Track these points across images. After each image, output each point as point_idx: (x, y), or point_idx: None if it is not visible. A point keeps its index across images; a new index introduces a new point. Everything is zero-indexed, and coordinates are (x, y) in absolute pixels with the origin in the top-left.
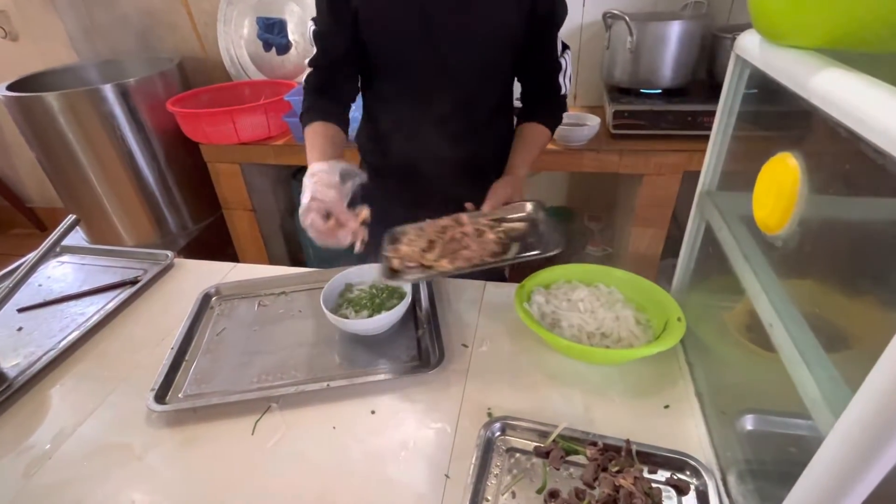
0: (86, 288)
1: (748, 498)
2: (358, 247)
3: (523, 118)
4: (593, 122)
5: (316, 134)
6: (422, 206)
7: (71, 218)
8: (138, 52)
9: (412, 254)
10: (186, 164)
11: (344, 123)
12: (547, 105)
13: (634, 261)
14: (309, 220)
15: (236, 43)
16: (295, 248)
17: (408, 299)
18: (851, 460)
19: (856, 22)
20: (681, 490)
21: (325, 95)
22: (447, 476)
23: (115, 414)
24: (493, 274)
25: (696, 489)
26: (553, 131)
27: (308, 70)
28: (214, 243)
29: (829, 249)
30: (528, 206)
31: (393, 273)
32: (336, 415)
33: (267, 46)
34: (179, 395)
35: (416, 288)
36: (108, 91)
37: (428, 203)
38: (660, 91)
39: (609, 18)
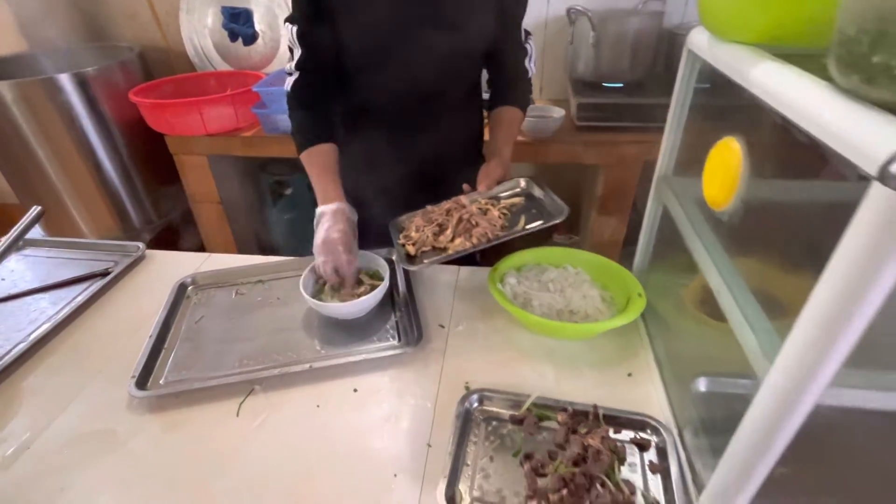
0: (52, 281)
1: (701, 450)
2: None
3: (497, 103)
4: (558, 114)
5: (320, 160)
6: (402, 191)
7: (35, 209)
8: (94, 41)
9: (426, 239)
10: (150, 156)
11: (335, 134)
12: (517, 89)
13: (598, 247)
14: (322, 260)
15: (200, 33)
16: (265, 241)
17: (386, 283)
18: (785, 394)
19: (789, 20)
20: (643, 447)
21: (314, 103)
22: (429, 445)
23: (94, 403)
24: (466, 259)
25: (657, 445)
26: (524, 112)
27: (292, 76)
28: (180, 237)
29: (766, 225)
30: (522, 182)
31: (411, 259)
32: (319, 394)
33: (233, 37)
34: (160, 382)
35: (392, 273)
36: (66, 81)
37: (408, 189)
38: (621, 85)
39: (573, 14)
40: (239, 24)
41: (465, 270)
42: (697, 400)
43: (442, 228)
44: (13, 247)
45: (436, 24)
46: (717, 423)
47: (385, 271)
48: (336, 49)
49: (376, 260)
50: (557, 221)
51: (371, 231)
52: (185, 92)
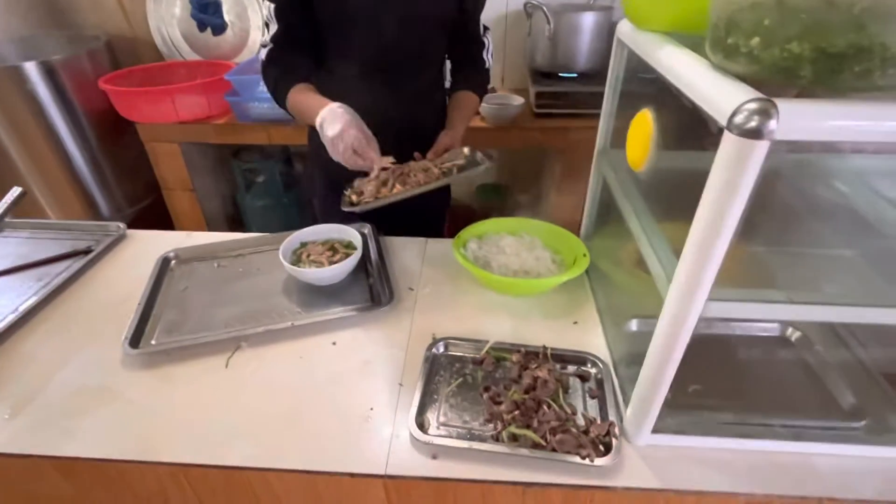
0: (35, 259)
1: (631, 378)
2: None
3: (455, 88)
4: (518, 102)
5: (307, 91)
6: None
7: (17, 190)
8: (56, 30)
9: (371, 191)
10: (119, 144)
11: (310, 82)
12: (475, 77)
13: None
14: (345, 154)
15: (168, 22)
16: (238, 228)
17: (359, 252)
18: (680, 304)
19: (687, 13)
20: (584, 378)
21: (289, 67)
22: (401, 384)
23: (90, 362)
24: (432, 231)
25: (595, 377)
26: (481, 98)
27: (268, 47)
28: (151, 226)
29: (669, 184)
30: (465, 150)
31: (352, 205)
32: (301, 348)
33: (201, 26)
34: (152, 342)
35: (365, 243)
36: (32, 69)
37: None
38: (576, 75)
39: (529, 8)
40: (208, 15)
41: (432, 242)
42: (629, 338)
43: (386, 184)
44: None
45: (406, 11)
46: (642, 355)
47: (358, 241)
48: (310, 27)
49: (349, 231)
50: (479, 169)
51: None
52: (154, 81)
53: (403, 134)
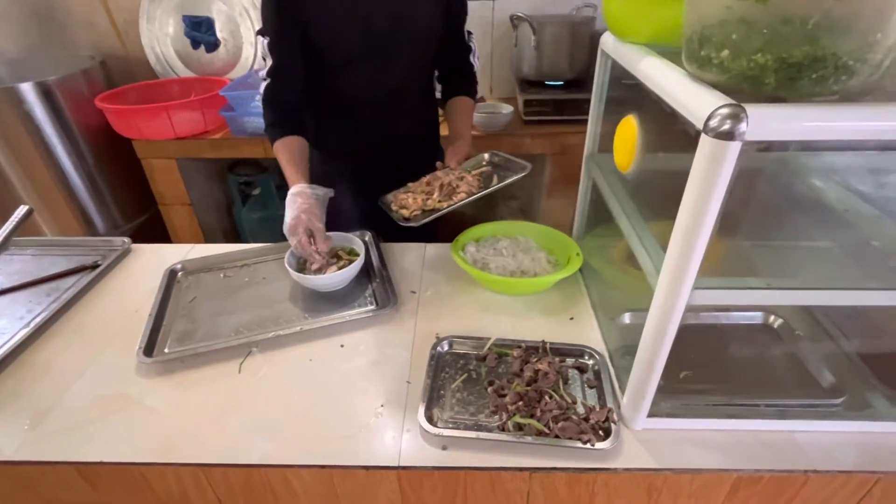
0: (43, 275)
1: (626, 367)
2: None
3: (450, 94)
4: (507, 110)
5: (287, 150)
6: (370, 180)
7: (24, 209)
8: (51, 50)
9: (416, 204)
10: (116, 161)
11: (305, 129)
12: (465, 81)
13: None
14: (295, 241)
15: (162, 41)
16: (234, 241)
17: (362, 257)
18: (668, 293)
19: (665, 27)
20: (582, 370)
21: (284, 105)
22: (408, 382)
23: (105, 372)
24: (430, 237)
25: (592, 368)
26: (475, 100)
27: (265, 81)
28: (149, 241)
29: (655, 183)
30: (486, 156)
31: (406, 220)
32: (311, 351)
33: (195, 44)
34: (165, 351)
35: (367, 249)
36: (27, 90)
37: (376, 178)
38: (562, 83)
39: (515, 20)
40: (201, 33)
41: (431, 247)
42: (622, 330)
43: (428, 195)
44: (5, 245)
45: (397, 30)
46: (636, 346)
47: (360, 248)
48: (305, 57)
49: (352, 239)
50: (524, 174)
51: (344, 214)
52: (149, 98)
53: (405, 149)
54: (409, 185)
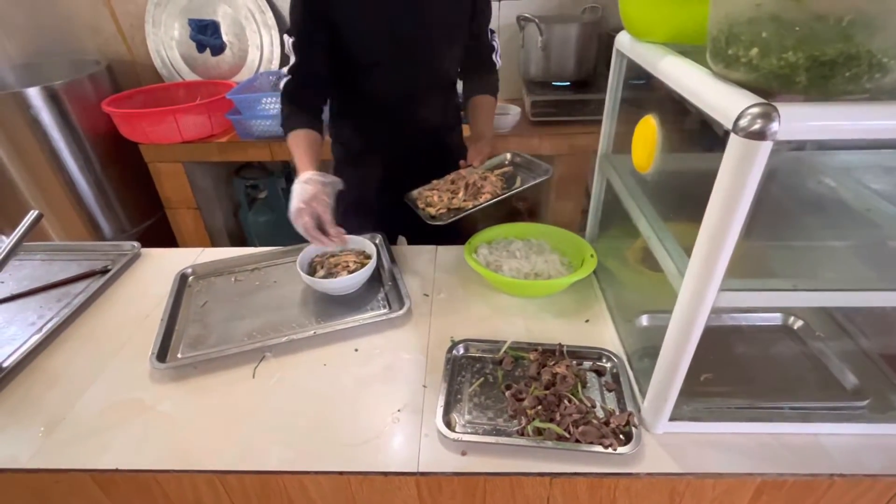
0: (53, 280)
1: (645, 370)
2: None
3: (473, 93)
4: (515, 111)
5: (300, 140)
6: (394, 180)
7: (34, 213)
8: (57, 55)
9: (441, 202)
10: (122, 165)
11: (320, 125)
12: (488, 79)
13: None
14: (301, 222)
15: (167, 45)
16: (241, 244)
17: (374, 261)
18: (693, 296)
19: (685, 26)
20: (600, 373)
21: (302, 102)
22: (425, 386)
23: (118, 378)
24: (443, 239)
25: (610, 371)
26: (496, 98)
27: (286, 77)
28: (155, 245)
29: (677, 184)
30: (508, 156)
31: (433, 218)
32: (325, 355)
33: (200, 48)
34: (178, 356)
35: (378, 253)
36: (34, 94)
37: (399, 177)
38: (569, 83)
39: (522, 21)
40: (207, 36)
41: (443, 249)
42: (640, 333)
43: (454, 194)
44: (16, 250)
45: (422, 29)
46: (655, 348)
47: (372, 251)
48: (330, 59)
49: (364, 243)
50: (547, 177)
51: (368, 213)
52: (155, 102)
53: (429, 149)
54: (434, 182)
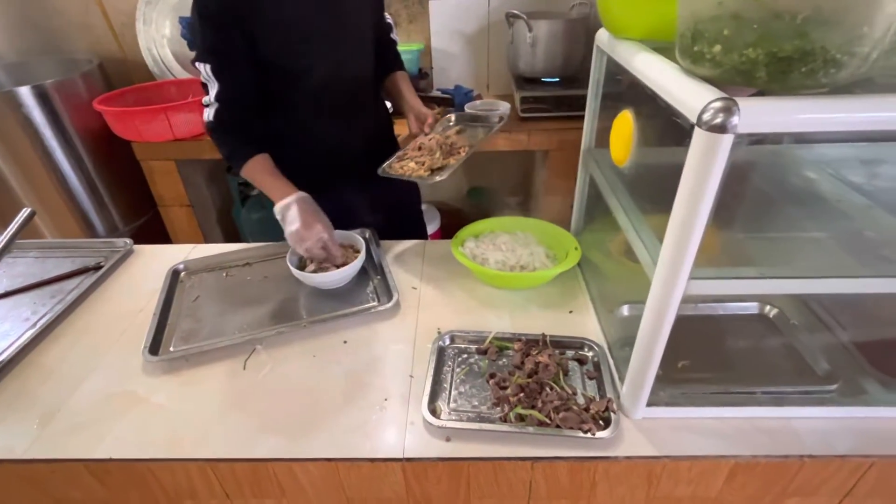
0: (46, 277)
1: (624, 358)
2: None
3: (386, 72)
4: (504, 107)
5: (260, 167)
6: (336, 183)
7: (26, 211)
8: (48, 54)
9: (424, 167)
10: (115, 163)
11: (263, 145)
12: (395, 56)
13: None
14: (305, 249)
15: (159, 42)
16: (234, 242)
17: (363, 254)
18: (665, 284)
19: (659, 24)
20: (582, 361)
21: (240, 128)
22: (411, 376)
23: (112, 371)
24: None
25: (592, 360)
26: (406, 71)
27: (213, 107)
28: (148, 242)
29: (650, 176)
30: (452, 117)
31: (431, 174)
32: (314, 347)
33: (192, 46)
34: (170, 350)
35: (367, 247)
36: (26, 93)
37: (345, 176)
38: (558, 79)
39: (511, 18)
40: None
41: (430, 243)
42: (621, 323)
43: (431, 156)
44: (8, 248)
45: (338, 29)
46: (634, 337)
47: (361, 245)
48: (253, 73)
49: (352, 236)
50: (505, 116)
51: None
52: (147, 100)
53: (365, 148)
54: (400, 153)
